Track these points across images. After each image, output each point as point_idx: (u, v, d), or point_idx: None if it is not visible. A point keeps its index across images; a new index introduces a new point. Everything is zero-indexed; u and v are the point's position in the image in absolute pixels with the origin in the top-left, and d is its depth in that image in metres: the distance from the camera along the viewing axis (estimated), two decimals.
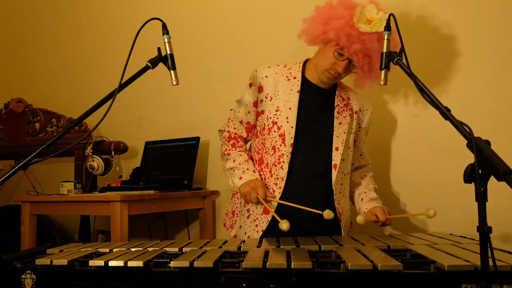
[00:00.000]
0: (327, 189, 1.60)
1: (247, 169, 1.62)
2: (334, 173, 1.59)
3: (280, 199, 1.56)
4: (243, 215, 1.67)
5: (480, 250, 0.82)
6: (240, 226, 1.68)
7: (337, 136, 1.61)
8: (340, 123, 1.63)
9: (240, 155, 1.67)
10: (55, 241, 2.61)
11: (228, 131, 1.73)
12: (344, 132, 1.62)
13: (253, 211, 1.63)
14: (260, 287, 0.98)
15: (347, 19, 1.49)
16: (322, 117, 1.64)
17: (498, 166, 0.79)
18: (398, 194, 2.04)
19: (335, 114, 1.64)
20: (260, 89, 1.65)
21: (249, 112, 1.70)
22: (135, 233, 2.54)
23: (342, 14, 1.51)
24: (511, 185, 0.76)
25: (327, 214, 1.45)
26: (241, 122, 1.72)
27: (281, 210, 1.55)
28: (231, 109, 1.75)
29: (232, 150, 1.68)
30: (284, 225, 1.37)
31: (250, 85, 1.68)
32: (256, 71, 1.67)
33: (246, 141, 1.76)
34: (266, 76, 1.64)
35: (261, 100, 1.65)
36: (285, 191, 1.57)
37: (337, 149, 1.61)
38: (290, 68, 1.67)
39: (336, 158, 1.60)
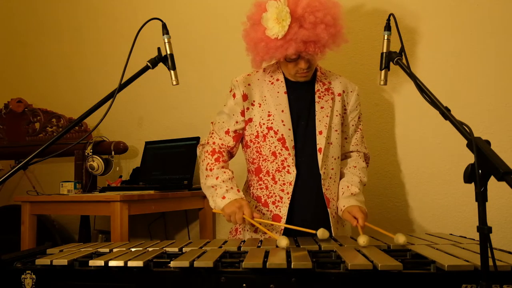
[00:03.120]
0: (315, 175, 1.56)
1: (231, 187, 1.50)
2: (319, 157, 1.55)
3: (291, 202, 1.52)
4: (247, 230, 1.63)
5: (480, 250, 0.82)
6: None
7: (319, 120, 1.57)
8: (322, 107, 1.59)
9: (224, 172, 1.54)
10: (55, 241, 2.61)
11: (213, 143, 1.63)
12: (327, 116, 1.58)
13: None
14: (260, 287, 0.98)
15: (265, 39, 1.45)
16: (306, 109, 1.60)
17: (498, 166, 0.79)
18: (397, 194, 2.04)
19: (316, 99, 1.60)
20: (244, 97, 1.60)
21: (237, 122, 1.62)
22: (135, 233, 2.54)
23: (259, 37, 1.47)
24: (511, 185, 0.76)
25: (321, 233, 1.31)
26: (227, 132, 1.63)
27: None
28: (212, 122, 1.67)
29: (216, 165, 1.55)
30: (283, 242, 1.18)
31: (234, 95, 1.62)
32: (237, 80, 1.63)
33: (230, 154, 1.66)
34: (249, 84, 1.62)
35: (247, 108, 1.61)
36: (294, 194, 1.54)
37: (320, 132, 1.57)
38: (270, 72, 1.64)
39: (320, 141, 1.56)
